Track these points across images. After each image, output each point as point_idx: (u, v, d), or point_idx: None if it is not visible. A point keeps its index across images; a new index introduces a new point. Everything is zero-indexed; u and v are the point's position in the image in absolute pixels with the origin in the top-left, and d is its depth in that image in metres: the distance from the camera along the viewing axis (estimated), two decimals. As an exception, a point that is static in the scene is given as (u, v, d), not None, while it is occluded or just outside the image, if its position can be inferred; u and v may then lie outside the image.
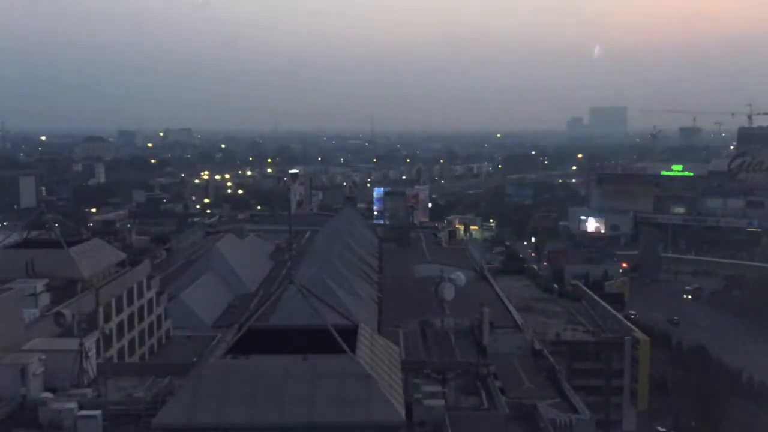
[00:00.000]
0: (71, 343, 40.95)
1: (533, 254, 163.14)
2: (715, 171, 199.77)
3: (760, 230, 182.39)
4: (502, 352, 63.51)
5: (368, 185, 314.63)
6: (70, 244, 62.81)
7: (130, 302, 66.58)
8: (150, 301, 71.53)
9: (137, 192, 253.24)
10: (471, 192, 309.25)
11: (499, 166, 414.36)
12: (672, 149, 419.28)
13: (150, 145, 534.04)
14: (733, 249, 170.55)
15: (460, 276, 72.75)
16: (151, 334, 71.32)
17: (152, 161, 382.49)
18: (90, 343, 41.23)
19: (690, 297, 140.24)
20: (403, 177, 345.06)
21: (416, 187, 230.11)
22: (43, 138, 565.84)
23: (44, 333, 48.66)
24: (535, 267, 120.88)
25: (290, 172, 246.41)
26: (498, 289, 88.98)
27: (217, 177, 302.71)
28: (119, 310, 64.04)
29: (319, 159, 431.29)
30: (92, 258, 63.32)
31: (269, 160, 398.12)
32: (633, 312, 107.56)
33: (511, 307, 79.68)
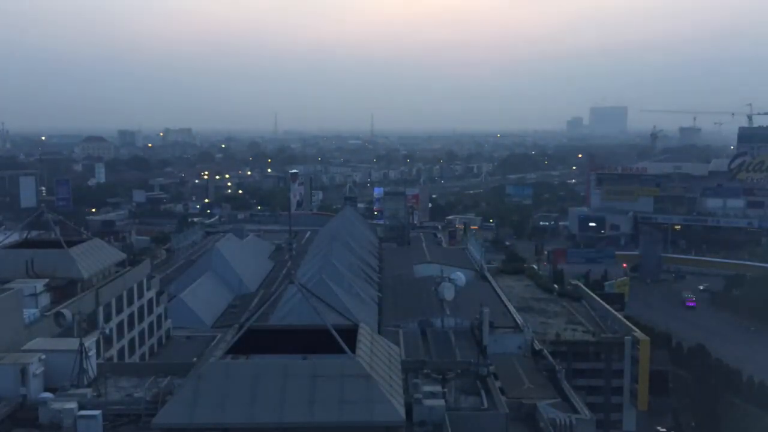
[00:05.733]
0: (71, 343, 40.93)
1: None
2: (715, 171, 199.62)
3: (760, 230, 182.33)
4: (502, 352, 63.54)
5: (368, 185, 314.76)
6: (70, 244, 62.83)
7: (130, 302, 66.64)
8: (150, 301, 71.59)
9: (137, 192, 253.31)
10: (471, 192, 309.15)
11: (499, 166, 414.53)
12: (672, 149, 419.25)
13: (150, 145, 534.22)
14: (733, 249, 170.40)
15: (460, 276, 72.68)
16: (151, 334, 71.37)
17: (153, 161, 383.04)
18: (90, 343, 41.18)
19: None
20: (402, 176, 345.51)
21: (412, 188, 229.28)
22: (43, 138, 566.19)
23: (44, 333, 48.67)
24: (535, 267, 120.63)
25: (290, 172, 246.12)
26: (498, 289, 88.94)
27: (217, 177, 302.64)
28: (119, 310, 64.11)
29: (319, 159, 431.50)
30: (92, 258, 63.35)
31: (269, 160, 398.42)
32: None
33: (511, 307, 79.64)
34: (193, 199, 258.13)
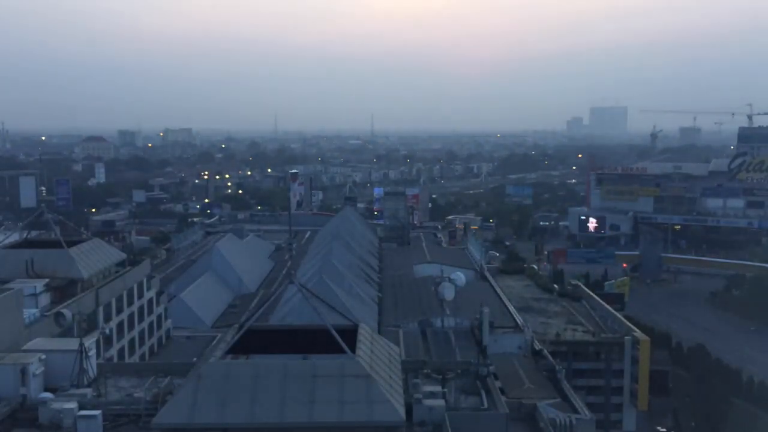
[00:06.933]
0: (71, 343, 40.91)
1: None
2: (715, 171, 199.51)
3: (760, 230, 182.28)
4: (502, 352, 63.53)
5: (368, 185, 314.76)
6: (70, 244, 62.85)
7: (130, 302, 66.64)
8: (150, 301, 71.60)
9: (137, 192, 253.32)
10: (471, 192, 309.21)
11: (499, 166, 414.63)
12: (672, 149, 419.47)
13: (150, 145, 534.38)
14: (733, 249, 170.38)
15: (460, 276, 72.56)
16: (151, 334, 71.37)
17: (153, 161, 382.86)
18: (90, 343, 41.16)
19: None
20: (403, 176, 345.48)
21: (412, 188, 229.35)
22: (43, 138, 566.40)
23: (44, 333, 48.66)
24: (535, 267, 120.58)
25: (290, 172, 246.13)
26: (498, 289, 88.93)
27: (217, 177, 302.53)
28: (119, 310, 64.11)
29: (319, 159, 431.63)
30: (92, 258, 63.37)
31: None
32: None
33: (511, 307, 79.63)
34: (193, 199, 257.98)
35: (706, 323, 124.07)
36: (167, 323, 75.84)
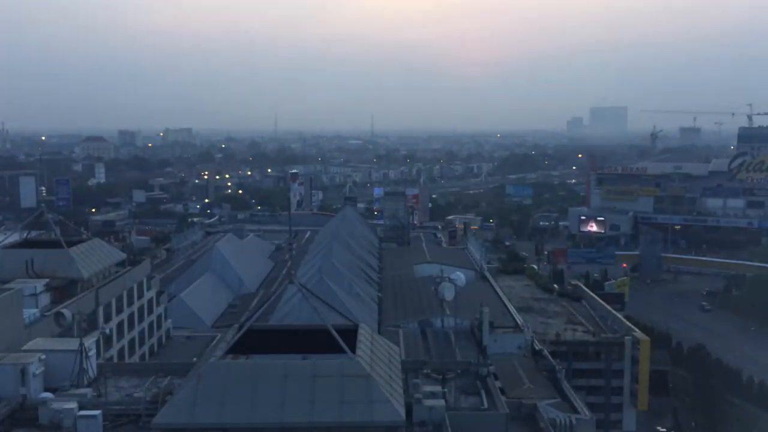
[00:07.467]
0: (71, 343, 40.91)
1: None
2: (715, 171, 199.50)
3: (760, 230, 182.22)
4: (502, 352, 63.56)
5: (368, 185, 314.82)
6: (70, 244, 62.84)
7: (130, 302, 66.64)
8: (150, 301, 71.59)
9: (137, 192, 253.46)
10: (471, 192, 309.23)
11: (499, 166, 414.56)
12: (672, 149, 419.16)
13: (150, 145, 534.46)
14: (733, 249, 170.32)
15: (460, 276, 72.55)
16: (151, 334, 71.37)
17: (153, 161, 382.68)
18: (90, 343, 41.16)
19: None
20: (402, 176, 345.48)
21: (411, 188, 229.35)
22: (43, 138, 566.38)
23: (44, 333, 48.66)
24: (535, 267, 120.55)
25: (290, 172, 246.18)
26: (498, 289, 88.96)
27: (217, 177, 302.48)
28: (119, 310, 64.12)
29: (319, 159, 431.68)
30: (92, 258, 63.35)
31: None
32: None
33: (511, 307, 79.68)
34: (193, 199, 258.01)
35: (706, 323, 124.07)
36: (167, 323, 75.84)
